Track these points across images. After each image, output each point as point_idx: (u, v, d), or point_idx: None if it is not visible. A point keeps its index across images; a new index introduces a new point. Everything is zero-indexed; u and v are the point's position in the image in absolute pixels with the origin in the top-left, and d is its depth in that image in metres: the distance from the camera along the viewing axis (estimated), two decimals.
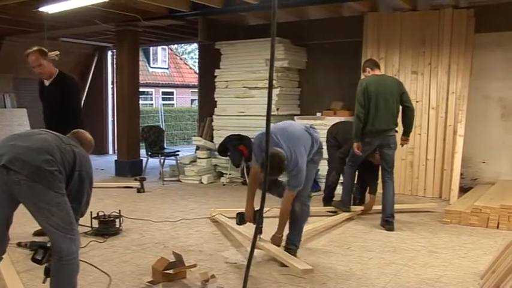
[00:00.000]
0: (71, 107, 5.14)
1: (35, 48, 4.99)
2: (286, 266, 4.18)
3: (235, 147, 8.31)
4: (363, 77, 5.91)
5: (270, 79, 2.19)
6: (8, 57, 11.02)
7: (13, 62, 10.83)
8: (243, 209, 4.55)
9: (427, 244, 5.00)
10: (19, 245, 4.75)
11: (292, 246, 4.41)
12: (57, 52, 5.15)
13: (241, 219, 4.54)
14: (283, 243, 4.49)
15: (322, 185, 7.21)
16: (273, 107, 8.34)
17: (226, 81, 8.97)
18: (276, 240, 4.49)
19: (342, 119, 7.87)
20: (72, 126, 4.65)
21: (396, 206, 5.73)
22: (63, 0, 6.95)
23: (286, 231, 4.50)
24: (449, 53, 7.37)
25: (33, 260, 3.02)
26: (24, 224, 4.59)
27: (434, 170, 7.46)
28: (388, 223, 5.55)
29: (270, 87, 2.18)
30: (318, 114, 8.46)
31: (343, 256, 4.62)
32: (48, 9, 7.30)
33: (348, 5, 8.13)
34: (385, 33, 7.83)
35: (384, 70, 7.71)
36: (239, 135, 8.48)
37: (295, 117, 8.48)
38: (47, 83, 5.17)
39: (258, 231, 2.69)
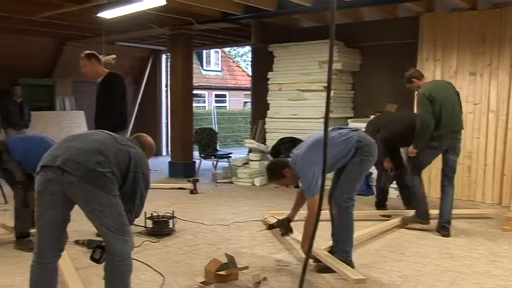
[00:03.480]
0: (108, 103, 5.28)
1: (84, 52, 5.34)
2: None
3: (288, 150, 8.27)
4: (418, 89, 5.69)
5: (328, 82, 2.15)
6: (68, 62, 11.42)
7: (73, 66, 11.17)
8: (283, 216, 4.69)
9: (486, 252, 4.82)
10: (77, 242, 4.90)
11: (342, 254, 4.20)
12: (114, 56, 5.32)
13: (284, 229, 4.65)
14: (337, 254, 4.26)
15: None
16: None
17: (279, 83, 8.97)
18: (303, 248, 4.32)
19: None
20: (111, 123, 4.80)
21: (453, 211, 5.55)
22: (120, 5, 7.12)
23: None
24: (511, 53, 7.09)
25: (92, 259, 3.07)
26: (80, 222, 4.73)
27: (493, 175, 7.19)
28: (444, 229, 5.39)
29: (328, 90, 2.13)
30: (372, 116, 8.32)
31: (397, 262, 4.51)
32: (106, 14, 7.50)
33: (403, 6, 7.96)
34: (442, 34, 7.61)
35: (440, 72, 7.55)
36: (292, 137, 8.44)
37: (349, 119, 8.39)
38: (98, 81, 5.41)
39: (312, 243, 2.60)
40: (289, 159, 4.28)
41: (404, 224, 5.72)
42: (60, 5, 7.45)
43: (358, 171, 4.23)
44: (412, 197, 5.77)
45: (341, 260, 4.14)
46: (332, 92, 8.37)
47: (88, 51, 5.36)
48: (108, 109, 5.23)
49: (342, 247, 4.23)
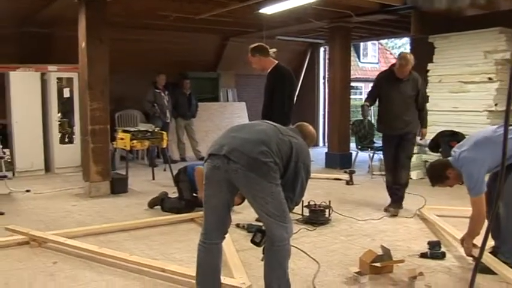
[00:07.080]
0: (273, 98, 5.38)
1: (250, 46, 5.50)
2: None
3: (447, 144, 7.97)
4: None
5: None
6: (232, 56, 12.12)
7: (235, 60, 11.86)
8: None
9: None
10: (237, 226, 5.26)
11: (510, 256, 3.95)
12: (274, 50, 5.52)
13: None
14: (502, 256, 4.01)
15: None
16: (491, 102, 7.82)
17: (440, 75, 8.65)
18: (465, 250, 4.17)
19: None
20: (275, 117, 4.89)
21: None
22: (280, 1, 7.39)
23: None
24: None
25: (252, 242, 3.27)
26: (241, 207, 5.07)
27: None
28: None
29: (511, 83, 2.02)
30: None
31: None
32: (267, 10, 7.85)
33: None
34: None
35: None
36: (452, 131, 8.12)
37: None
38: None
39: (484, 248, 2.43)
40: (450, 158, 4.13)
41: None
42: (226, 4, 7.93)
43: None
44: None
45: (505, 263, 3.91)
46: (497, 83, 7.90)
47: (252, 46, 5.46)
48: (274, 105, 5.31)
49: (509, 248, 3.98)
